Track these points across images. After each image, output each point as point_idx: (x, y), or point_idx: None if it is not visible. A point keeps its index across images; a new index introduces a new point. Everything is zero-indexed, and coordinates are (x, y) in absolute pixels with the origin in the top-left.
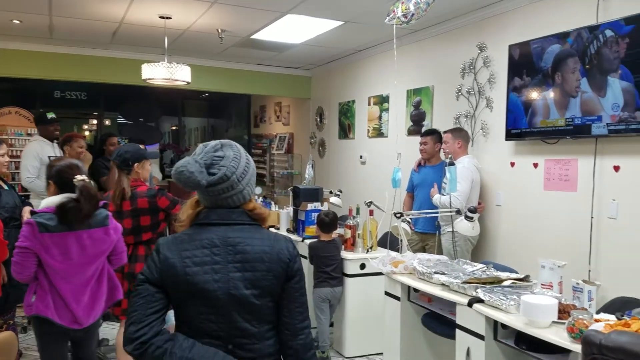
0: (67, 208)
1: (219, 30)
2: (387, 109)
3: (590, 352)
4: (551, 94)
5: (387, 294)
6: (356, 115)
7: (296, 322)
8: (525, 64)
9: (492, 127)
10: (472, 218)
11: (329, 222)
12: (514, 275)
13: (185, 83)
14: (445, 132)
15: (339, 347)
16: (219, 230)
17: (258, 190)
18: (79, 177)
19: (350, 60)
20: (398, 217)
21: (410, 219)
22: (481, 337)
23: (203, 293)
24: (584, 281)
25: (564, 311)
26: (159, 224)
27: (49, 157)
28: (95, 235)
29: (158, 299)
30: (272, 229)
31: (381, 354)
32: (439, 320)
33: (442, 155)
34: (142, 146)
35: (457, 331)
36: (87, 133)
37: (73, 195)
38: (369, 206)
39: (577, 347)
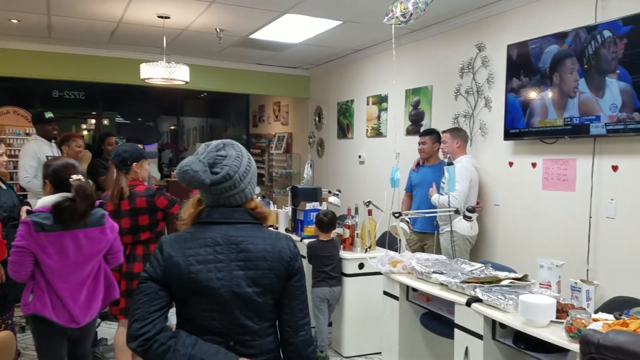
0: (62, 207)
1: (218, 30)
2: (385, 109)
3: (588, 352)
4: (549, 94)
5: (385, 293)
6: (355, 115)
7: (297, 319)
8: (523, 64)
9: (490, 127)
10: (470, 218)
11: (327, 221)
12: (512, 275)
13: (184, 83)
14: (443, 131)
15: (338, 347)
16: (222, 229)
17: (257, 190)
18: (74, 176)
19: (349, 60)
20: (397, 217)
21: (409, 218)
22: (479, 336)
23: (207, 291)
24: (582, 281)
25: (562, 311)
26: (157, 224)
27: (47, 156)
28: (92, 235)
29: (161, 296)
30: (270, 229)
31: (380, 353)
32: (437, 320)
33: (440, 155)
34: (140, 146)
35: (456, 331)
36: (85, 133)
37: (69, 194)
38: (367, 206)
39: (575, 347)
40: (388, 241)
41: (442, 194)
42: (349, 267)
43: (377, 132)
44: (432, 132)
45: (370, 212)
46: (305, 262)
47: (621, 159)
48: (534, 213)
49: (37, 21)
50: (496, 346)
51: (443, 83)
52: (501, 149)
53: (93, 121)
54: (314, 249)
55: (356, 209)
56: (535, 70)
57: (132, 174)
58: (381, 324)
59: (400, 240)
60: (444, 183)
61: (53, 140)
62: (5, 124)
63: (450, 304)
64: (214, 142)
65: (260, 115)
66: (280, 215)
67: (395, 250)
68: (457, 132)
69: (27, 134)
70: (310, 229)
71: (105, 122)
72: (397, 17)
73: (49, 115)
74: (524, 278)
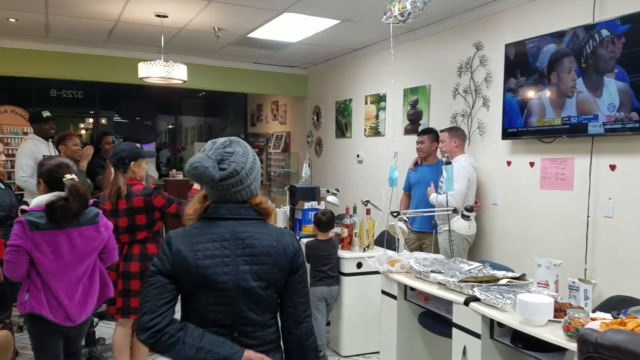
0: (56, 207)
1: (216, 29)
2: (384, 108)
3: (586, 351)
4: (547, 94)
5: (383, 292)
6: (353, 114)
7: (299, 311)
8: (521, 64)
9: (488, 126)
10: (468, 217)
11: (326, 221)
12: (510, 274)
13: (182, 82)
14: (442, 131)
15: (336, 346)
16: (228, 224)
17: None
18: (68, 176)
19: (347, 59)
20: (395, 216)
21: (407, 217)
22: (477, 335)
23: (214, 285)
24: (580, 280)
25: (560, 310)
26: (154, 223)
27: (44, 156)
28: (86, 233)
29: (170, 289)
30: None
31: (378, 352)
32: (435, 319)
33: (439, 154)
34: (138, 145)
35: (454, 330)
36: (83, 132)
37: (62, 193)
38: (365, 205)
39: (573, 346)
40: (386, 240)
41: (440, 193)
42: (347, 267)
43: (376, 132)
44: (430, 132)
45: (368, 212)
46: None
47: (619, 158)
48: (532, 212)
49: (35, 20)
50: (494, 345)
51: (441, 82)
52: (499, 148)
53: (91, 120)
54: (312, 248)
55: (354, 208)
56: (533, 70)
57: (130, 173)
58: (379, 324)
59: (398, 239)
60: (442, 182)
61: (50, 140)
62: (3, 123)
63: (449, 303)
64: (221, 139)
65: (259, 115)
66: (278, 215)
67: (394, 249)
68: (455, 132)
69: (25, 133)
70: (309, 228)
71: (103, 121)
72: (395, 16)
73: (46, 114)
74: (521, 277)
